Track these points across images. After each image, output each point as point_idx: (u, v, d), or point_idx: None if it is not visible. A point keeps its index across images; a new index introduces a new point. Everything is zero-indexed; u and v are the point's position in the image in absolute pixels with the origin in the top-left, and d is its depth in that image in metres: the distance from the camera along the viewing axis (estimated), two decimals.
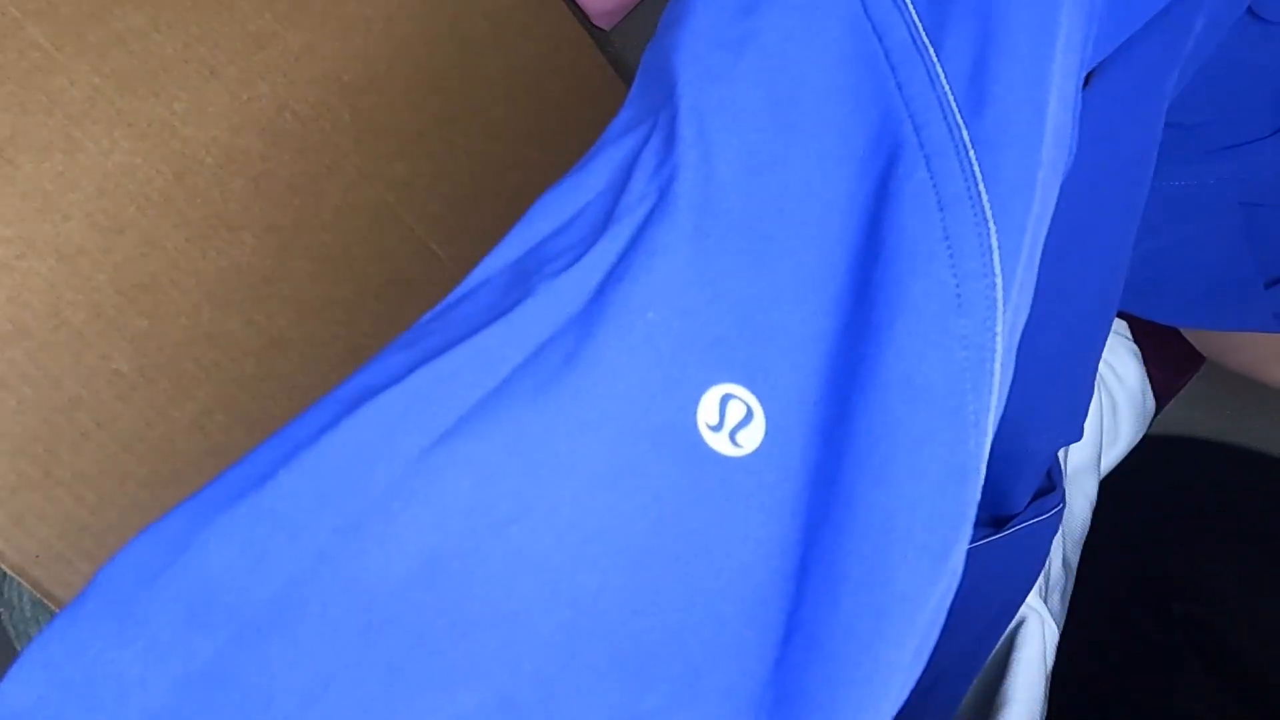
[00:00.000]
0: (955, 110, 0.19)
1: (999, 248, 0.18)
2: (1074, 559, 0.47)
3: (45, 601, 0.37)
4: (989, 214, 0.19)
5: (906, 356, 0.18)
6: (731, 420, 0.18)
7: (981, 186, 0.19)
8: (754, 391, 0.18)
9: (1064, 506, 0.41)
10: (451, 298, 0.19)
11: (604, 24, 0.61)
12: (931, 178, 0.19)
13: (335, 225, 0.45)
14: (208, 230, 0.41)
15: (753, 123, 0.19)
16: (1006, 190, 0.19)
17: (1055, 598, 0.44)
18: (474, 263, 0.20)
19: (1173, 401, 0.54)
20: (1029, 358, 0.33)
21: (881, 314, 0.18)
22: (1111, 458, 0.50)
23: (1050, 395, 0.36)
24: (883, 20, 0.19)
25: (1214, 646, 0.46)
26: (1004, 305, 0.18)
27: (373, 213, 0.46)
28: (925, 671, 0.37)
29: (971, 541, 0.39)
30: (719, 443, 0.18)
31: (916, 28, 0.19)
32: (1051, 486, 0.42)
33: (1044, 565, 0.41)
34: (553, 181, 0.20)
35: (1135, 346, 0.51)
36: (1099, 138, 0.26)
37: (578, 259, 0.18)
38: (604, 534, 0.18)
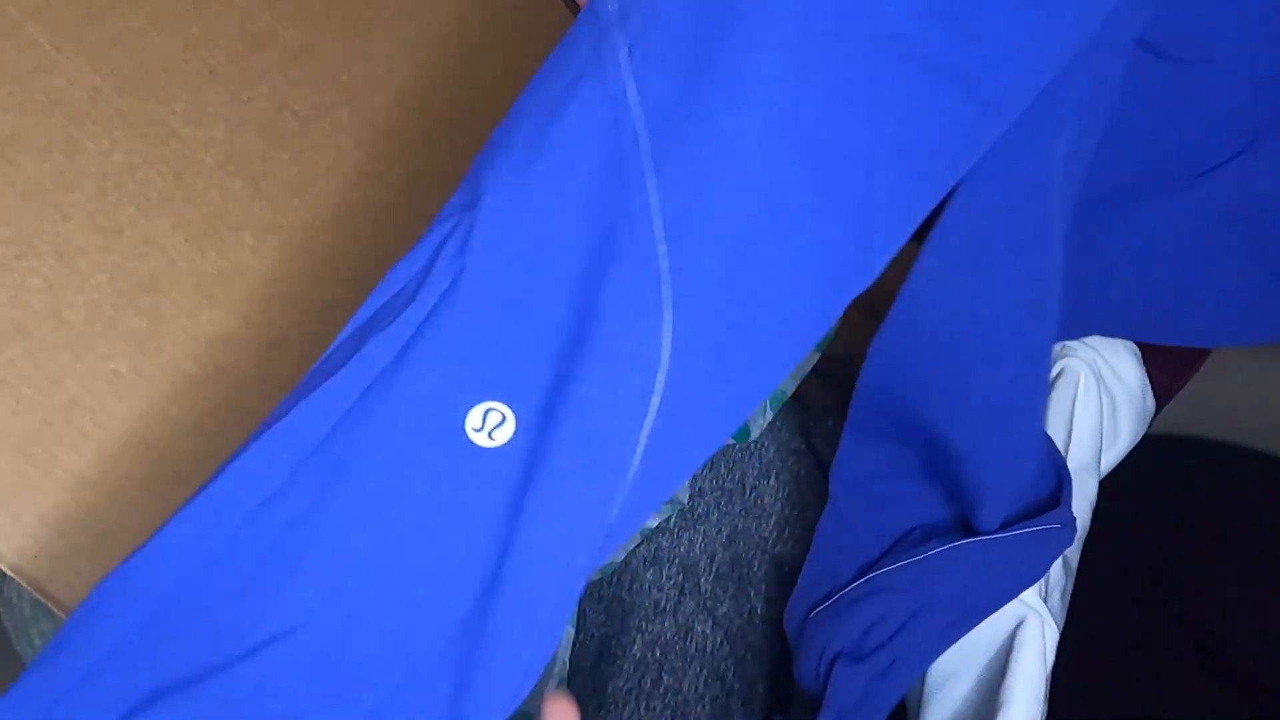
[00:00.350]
0: (660, 230, 0.26)
1: (672, 338, 0.26)
2: (1074, 559, 0.47)
3: (44, 602, 0.37)
4: (668, 314, 0.26)
5: (589, 408, 0.26)
6: (490, 424, 0.26)
7: (668, 290, 0.26)
8: (509, 404, 0.26)
9: (1063, 528, 0.41)
10: (332, 346, 0.28)
11: None
12: (636, 279, 0.26)
13: (335, 225, 0.45)
14: (208, 230, 0.41)
15: (526, 225, 0.26)
16: (690, 301, 0.26)
17: (1055, 598, 0.44)
18: None
19: (1173, 401, 0.54)
20: (970, 395, 0.37)
21: (586, 361, 0.26)
22: (1111, 458, 0.50)
23: (995, 436, 0.39)
24: (626, 149, 0.26)
25: (1214, 646, 0.46)
26: (661, 390, 0.26)
27: (373, 213, 0.47)
28: (882, 655, 0.41)
29: (946, 543, 0.41)
30: (480, 438, 0.26)
31: (647, 158, 0.26)
32: (1055, 503, 0.42)
33: (1027, 586, 0.41)
34: None
35: (1135, 346, 0.51)
36: (986, 204, 0.32)
37: (390, 322, 0.26)
38: (391, 522, 0.26)
